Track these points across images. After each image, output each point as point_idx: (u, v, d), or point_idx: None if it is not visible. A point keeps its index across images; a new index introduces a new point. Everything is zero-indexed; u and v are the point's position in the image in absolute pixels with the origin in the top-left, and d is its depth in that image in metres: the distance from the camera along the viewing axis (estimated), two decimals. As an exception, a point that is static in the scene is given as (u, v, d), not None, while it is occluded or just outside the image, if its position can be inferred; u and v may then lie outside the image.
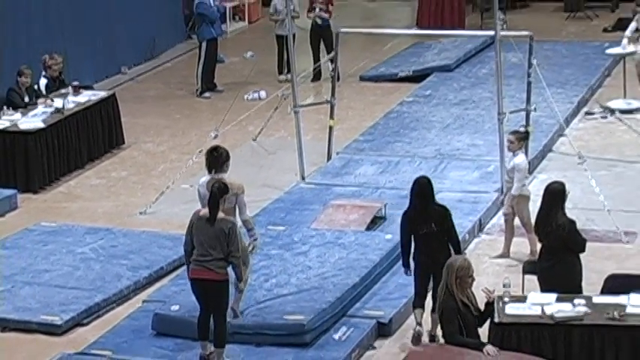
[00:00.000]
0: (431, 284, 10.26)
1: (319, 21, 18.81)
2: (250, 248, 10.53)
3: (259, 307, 10.65)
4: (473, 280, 9.23)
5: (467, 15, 22.69)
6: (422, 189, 10.47)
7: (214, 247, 9.85)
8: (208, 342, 10.05)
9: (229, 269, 9.94)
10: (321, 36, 18.81)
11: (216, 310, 9.98)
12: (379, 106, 17.53)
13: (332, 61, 15.38)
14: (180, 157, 15.41)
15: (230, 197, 10.18)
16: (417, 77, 18.95)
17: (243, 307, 10.55)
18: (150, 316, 10.75)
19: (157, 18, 20.63)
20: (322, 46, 18.76)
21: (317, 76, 18.27)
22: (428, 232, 10.35)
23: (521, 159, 12.17)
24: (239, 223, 10.25)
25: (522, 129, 12.86)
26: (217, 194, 9.89)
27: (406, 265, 10.54)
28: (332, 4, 19.11)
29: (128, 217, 13.81)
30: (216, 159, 10.54)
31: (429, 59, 19.81)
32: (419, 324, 10.28)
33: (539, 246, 11.69)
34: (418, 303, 10.41)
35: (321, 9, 18.83)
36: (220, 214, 9.88)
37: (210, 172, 10.52)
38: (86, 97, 15.83)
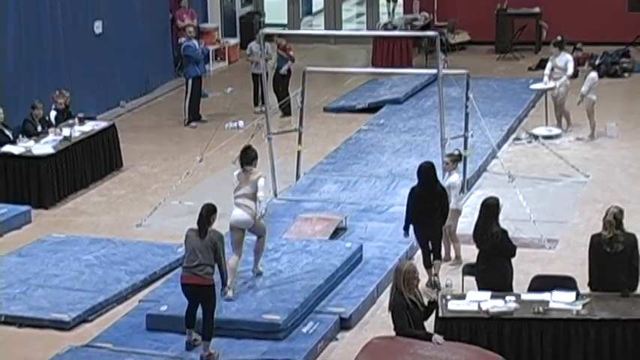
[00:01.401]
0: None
1: (282, 71, 18.75)
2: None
3: (239, 307, 10.62)
4: (418, 281, 9.25)
5: (414, 56, 22.70)
6: (427, 172, 11.34)
7: (203, 254, 9.87)
8: (194, 331, 10.09)
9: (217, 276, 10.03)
10: (280, 82, 18.73)
11: (205, 309, 10.00)
12: (340, 134, 17.53)
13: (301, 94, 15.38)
14: (171, 178, 15.35)
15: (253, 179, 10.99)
16: (372, 109, 18.95)
17: (225, 305, 10.54)
18: (145, 314, 10.71)
19: (150, 59, 20.53)
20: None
21: (286, 110, 18.21)
22: (431, 207, 11.22)
23: (455, 178, 12.19)
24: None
25: (456, 152, 12.82)
26: (205, 215, 10.10)
27: (407, 229, 11.46)
28: (290, 49, 18.98)
29: (126, 229, 13.73)
30: (248, 156, 11.18)
31: (382, 93, 19.83)
32: (436, 275, 11.34)
33: (463, 251, 11.85)
34: (427, 264, 11.39)
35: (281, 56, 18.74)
36: (210, 228, 10.01)
37: (242, 166, 11.16)
38: (90, 126, 15.76)
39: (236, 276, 11.18)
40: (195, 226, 10.11)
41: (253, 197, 11.05)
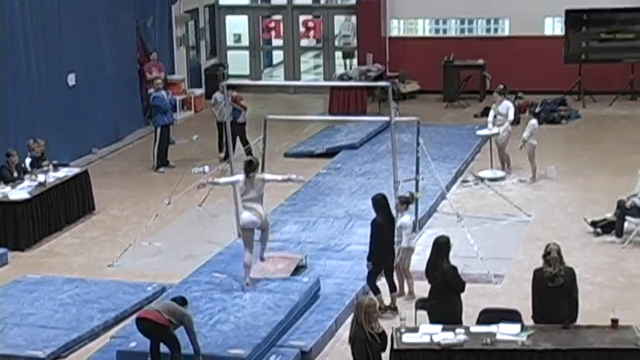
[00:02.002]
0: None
1: (239, 120, 18.77)
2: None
3: (205, 342, 10.52)
4: (378, 314, 9.23)
5: (368, 104, 22.82)
6: (385, 203, 11.82)
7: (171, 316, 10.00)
8: None
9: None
10: (238, 131, 18.73)
11: (169, 349, 9.92)
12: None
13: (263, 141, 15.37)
14: (141, 220, 15.25)
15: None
16: (330, 154, 19.00)
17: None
18: (116, 350, 10.59)
19: (121, 109, 20.48)
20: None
21: (248, 152, 18.19)
22: (392, 237, 11.75)
23: (406, 219, 12.20)
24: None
25: (407, 194, 12.85)
26: (176, 304, 10.20)
27: (370, 260, 11.65)
28: (241, 100, 18.95)
29: (98, 269, 13.60)
30: (252, 165, 12.13)
31: (339, 139, 19.88)
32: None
33: (415, 287, 11.85)
34: (377, 290, 11.76)
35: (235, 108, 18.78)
36: (180, 310, 10.12)
37: (247, 175, 12.03)
38: (64, 173, 15.64)
39: (204, 312, 11.12)
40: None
41: (259, 200, 12.13)
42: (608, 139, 19.76)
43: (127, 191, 17.22)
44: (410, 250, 12.22)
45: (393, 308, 11.71)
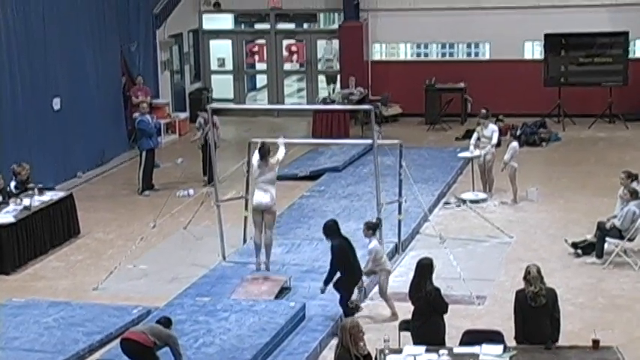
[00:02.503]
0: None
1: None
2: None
3: (191, 364, 10.50)
4: (363, 334, 9.18)
5: (351, 127, 22.89)
6: (336, 227, 11.96)
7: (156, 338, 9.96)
8: None
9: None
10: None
11: None
12: (284, 200, 17.45)
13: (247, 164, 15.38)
14: (126, 243, 15.19)
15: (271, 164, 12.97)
16: (313, 176, 19.02)
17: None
18: (102, 373, 10.55)
19: (106, 132, 20.46)
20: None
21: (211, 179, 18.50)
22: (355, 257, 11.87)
23: (372, 244, 12.18)
24: None
25: (374, 220, 12.82)
26: (162, 326, 10.20)
27: (327, 284, 11.77)
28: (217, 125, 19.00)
29: (84, 292, 13.53)
30: (265, 148, 12.99)
31: (322, 162, 19.92)
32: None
33: (399, 308, 11.84)
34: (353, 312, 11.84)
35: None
36: (165, 332, 10.09)
37: (262, 158, 12.95)
38: (49, 196, 15.59)
39: (189, 335, 11.08)
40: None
41: (273, 182, 12.92)
42: (588, 161, 19.88)
43: (112, 214, 17.17)
44: (387, 272, 12.25)
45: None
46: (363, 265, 12.19)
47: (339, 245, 11.79)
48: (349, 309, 11.76)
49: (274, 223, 13.45)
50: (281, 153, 13.43)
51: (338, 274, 11.82)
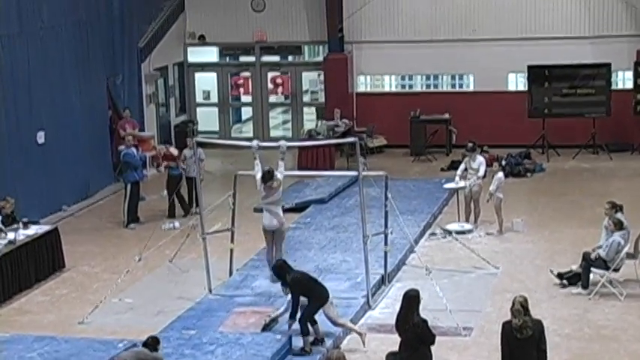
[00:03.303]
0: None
1: (177, 170, 19.07)
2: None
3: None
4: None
5: (336, 159, 22.95)
6: (287, 266, 12.29)
7: None
8: None
9: None
10: (179, 181, 18.99)
11: None
12: (269, 232, 17.53)
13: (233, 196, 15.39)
14: (111, 277, 15.14)
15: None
16: (299, 208, 19.03)
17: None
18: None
19: (91, 165, 20.46)
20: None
21: (171, 212, 18.76)
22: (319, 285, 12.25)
23: None
24: None
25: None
26: (149, 347, 10.34)
27: (293, 318, 12.03)
28: (178, 157, 19.27)
29: (69, 326, 13.45)
30: (270, 173, 13.84)
31: (308, 194, 19.94)
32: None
33: (386, 340, 11.78)
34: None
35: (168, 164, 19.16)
36: (152, 356, 10.25)
37: (265, 183, 13.80)
38: (34, 230, 15.55)
39: None
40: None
41: (279, 203, 13.87)
42: (573, 191, 19.98)
43: (97, 248, 17.12)
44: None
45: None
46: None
47: (292, 279, 12.10)
48: (304, 350, 11.85)
49: (284, 240, 14.29)
50: (281, 173, 14.00)
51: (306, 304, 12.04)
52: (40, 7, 18.85)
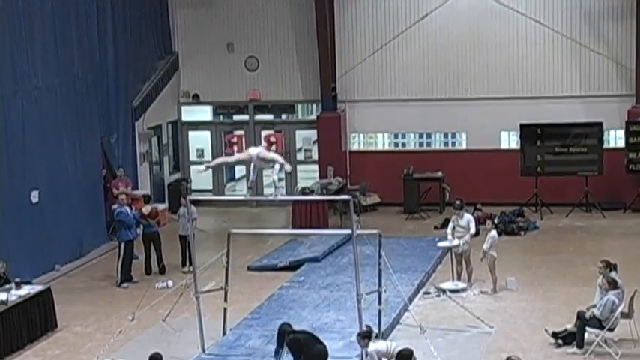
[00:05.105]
0: None
1: (151, 229, 19.18)
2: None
3: None
4: None
5: (330, 217, 22.97)
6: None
7: None
8: None
9: None
10: (151, 239, 19.07)
11: None
12: (263, 290, 17.50)
13: (226, 255, 15.38)
14: (104, 337, 15.07)
15: None
16: (293, 267, 19.01)
17: None
18: None
19: (84, 224, 20.44)
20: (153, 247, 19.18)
21: (162, 270, 18.90)
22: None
23: (371, 347, 12.09)
24: None
25: (365, 327, 12.75)
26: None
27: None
28: (158, 214, 19.55)
29: (61, 387, 13.40)
30: None
31: (302, 252, 19.93)
32: None
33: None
34: None
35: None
36: None
37: None
38: (26, 290, 15.50)
39: None
40: None
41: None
42: (566, 250, 20.01)
43: (90, 307, 17.05)
44: None
45: None
46: None
47: (290, 340, 12.16)
48: None
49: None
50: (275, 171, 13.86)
51: None
52: (35, 67, 19.01)
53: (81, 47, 20.70)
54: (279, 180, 13.85)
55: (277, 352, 12.36)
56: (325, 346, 12.22)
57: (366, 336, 12.26)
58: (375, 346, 12.07)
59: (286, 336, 12.25)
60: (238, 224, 21.30)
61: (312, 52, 24.54)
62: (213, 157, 26.06)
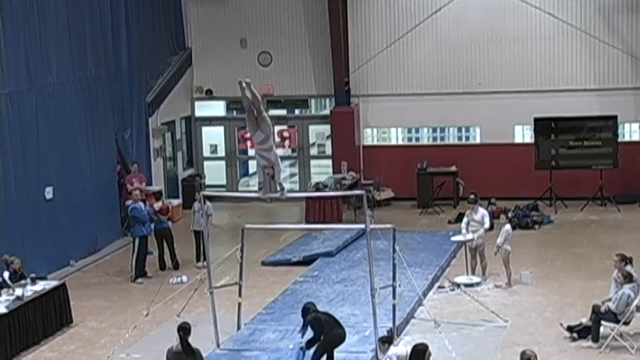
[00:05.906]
0: None
1: (162, 224, 19.22)
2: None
3: None
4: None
5: (343, 212, 22.98)
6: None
7: None
8: None
9: None
10: (163, 235, 19.10)
11: None
12: (277, 285, 17.52)
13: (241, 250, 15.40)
14: (119, 332, 15.12)
15: None
16: (307, 261, 19.02)
17: None
18: None
19: (99, 220, 20.50)
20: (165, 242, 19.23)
21: (176, 266, 18.96)
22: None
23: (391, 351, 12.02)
24: None
25: (386, 333, 12.76)
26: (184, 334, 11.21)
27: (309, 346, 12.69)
28: (169, 211, 19.62)
29: (76, 382, 13.45)
30: None
31: (316, 247, 19.94)
32: None
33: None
34: None
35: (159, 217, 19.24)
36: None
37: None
38: (41, 286, 15.56)
39: None
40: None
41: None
42: (581, 243, 19.95)
43: (105, 303, 17.11)
44: None
45: None
46: None
47: (312, 318, 12.68)
48: None
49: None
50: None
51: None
52: (49, 63, 19.06)
53: (94, 44, 20.75)
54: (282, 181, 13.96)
55: (302, 328, 12.83)
56: (344, 331, 12.42)
57: (386, 341, 12.25)
58: (394, 350, 12.04)
59: (309, 314, 12.50)
60: (252, 219, 21.31)
61: (325, 47, 24.53)
62: (227, 152, 26.18)
